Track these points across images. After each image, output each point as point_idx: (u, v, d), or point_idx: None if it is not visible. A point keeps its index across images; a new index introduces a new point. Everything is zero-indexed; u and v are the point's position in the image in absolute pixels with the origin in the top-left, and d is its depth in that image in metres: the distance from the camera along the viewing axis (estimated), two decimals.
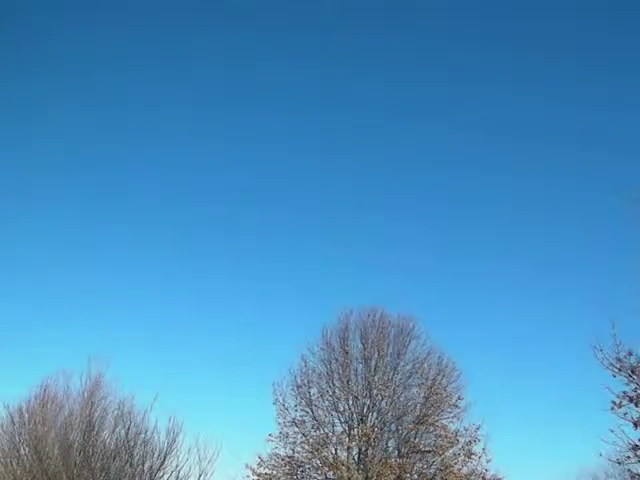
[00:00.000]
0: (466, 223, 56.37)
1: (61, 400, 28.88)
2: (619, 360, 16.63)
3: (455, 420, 29.57)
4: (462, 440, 28.85)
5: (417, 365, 30.88)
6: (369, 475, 27.87)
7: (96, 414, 27.90)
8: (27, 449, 27.29)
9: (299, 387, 30.60)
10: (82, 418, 27.73)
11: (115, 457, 26.67)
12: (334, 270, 55.36)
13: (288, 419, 30.11)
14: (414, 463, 28.92)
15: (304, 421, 30.00)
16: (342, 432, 29.80)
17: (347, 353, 30.85)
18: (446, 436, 28.77)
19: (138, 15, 55.78)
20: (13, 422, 28.18)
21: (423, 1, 55.76)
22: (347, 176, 58.57)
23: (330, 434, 29.84)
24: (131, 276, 56.40)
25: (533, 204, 56.63)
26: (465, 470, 28.42)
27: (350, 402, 30.12)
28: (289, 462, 28.93)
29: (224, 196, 59.02)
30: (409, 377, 30.79)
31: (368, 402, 30.01)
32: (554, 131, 56.20)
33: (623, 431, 16.65)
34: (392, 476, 27.67)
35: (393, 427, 29.87)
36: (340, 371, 30.63)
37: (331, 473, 28.68)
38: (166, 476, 26.72)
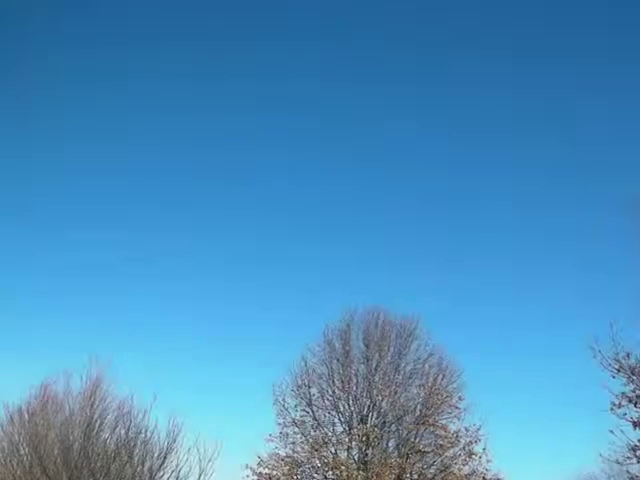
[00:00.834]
0: (466, 223, 56.22)
1: (61, 400, 28.82)
2: (618, 361, 16.64)
3: (455, 420, 29.64)
4: (462, 440, 28.86)
5: (418, 365, 30.94)
6: (369, 475, 27.85)
7: (96, 414, 27.82)
8: (27, 449, 27.24)
9: (299, 387, 30.62)
10: (82, 418, 27.67)
11: (115, 457, 26.59)
12: (336, 270, 55.39)
13: (288, 419, 30.16)
14: (414, 463, 28.92)
15: (304, 421, 30.04)
16: (342, 432, 29.84)
17: (348, 353, 30.87)
18: (446, 436, 28.78)
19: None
20: (13, 422, 28.16)
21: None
22: (347, 176, 58.43)
23: (330, 434, 29.88)
24: (131, 276, 56.40)
25: (533, 204, 56.43)
26: (465, 470, 28.43)
27: (350, 402, 30.14)
28: (289, 462, 28.93)
29: (224, 197, 59.01)
30: (410, 377, 30.82)
31: (368, 402, 30.03)
32: (554, 130, 56.09)
33: (622, 431, 16.67)
34: (392, 476, 27.66)
35: (393, 427, 29.89)
36: (341, 371, 30.65)
37: (331, 473, 28.68)
38: (166, 476, 26.65)
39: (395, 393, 29.99)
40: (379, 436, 29.19)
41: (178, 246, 55.67)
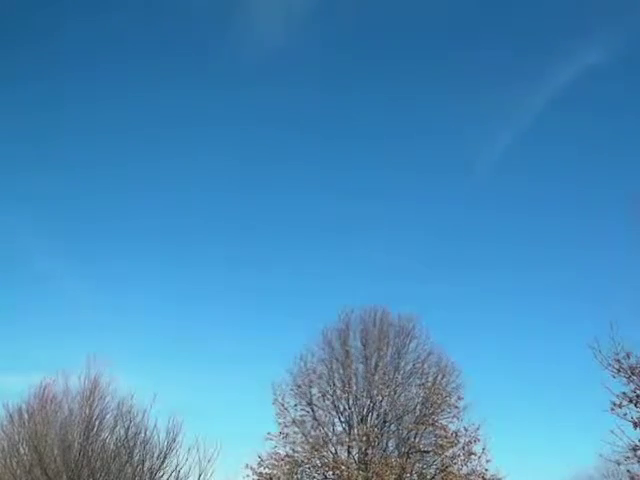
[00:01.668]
0: (466, 223, 56.31)
1: (60, 400, 28.91)
2: (618, 361, 16.65)
3: (455, 420, 29.56)
4: (462, 440, 28.82)
5: (417, 365, 30.89)
6: (369, 475, 27.83)
7: (95, 414, 27.90)
8: (27, 449, 27.29)
9: (299, 387, 30.60)
10: (82, 418, 27.74)
11: (115, 457, 26.65)
12: (335, 270, 55.43)
13: (288, 419, 30.12)
14: (414, 463, 28.91)
15: (304, 421, 30.01)
16: (342, 432, 29.81)
17: (347, 353, 30.85)
18: (446, 436, 28.74)
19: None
20: (13, 422, 28.20)
21: None
22: (348, 175, 58.54)
23: (330, 434, 29.86)
24: (131, 276, 56.47)
25: (533, 204, 56.60)
26: (465, 470, 28.39)
27: (350, 402, 30.12)
28: (289, 462, 28.91)
29: (224, 196, 59.05)
30: (409, 377, 30.80)
31: (368, 402, 30.01)
32: (553, 131, 56.19)
33: (623, 431, 16.67)
34: (392, 476, 27.63)
35: (393, 427, 29.85)
36: (340, 371, 30.64)
37: (331, 473, 28.66)
38: (166, 476, 26.70)
39: (395, 393, 29.98)
40: (379, 436, 29.18)
41: (178, 245, 55.85)
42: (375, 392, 29.84)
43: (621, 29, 49.55)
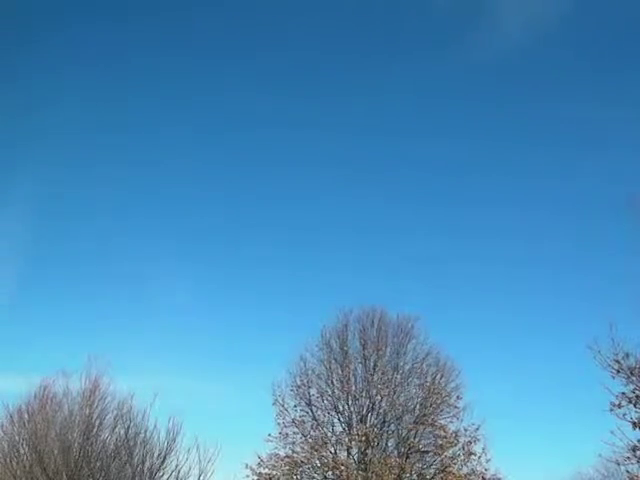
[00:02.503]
0: (466, 223, 56.23)
1: (60, 400, 28.84)
2: (617, 362, 16.70)
3: (454, 420, 29.67)
4: (462, 440, 28.90)
5: (416, 365, 30.96)
6: (368, 475, 27.90)
7: (95, 414, 27.84)
8: (27, 449, 27.24)
9: (298, 387, 30.69)
10: (82, 418, 27.68)
11: (115, 457, 26.60)
12: (333, 270, 55.35)
13: (288, 419, 30.21)
14: (414, 463, 28.98)
15: (303, 421, 30.09)
16: (341, 432, 29.88)
17: (346, 353, 30.92)
18: (445, 436, 28.81)
19: None
20: (13, 422, 28.17)
21: None
22: (347, 175, 58.49)
23: (329, 434, 29.93)
24: (132, 277, 56.38)
25: (532, 204, 56.50)
26: (465, 470, 28.47)
27: (349, 402, 30.20)
28: (289, 462, 28.97)
29: (224, 196, 58.98)
30: (408, 377, 30.88)
31: (367, 402, 30.07)
32: (553, 131, 56.15)
33: (622, 432, 16.72)
34: (392, 476, 27.69)
35: (392, 427, 29.93)
36: (339, 371, 30.69)
37: (331, 473, 28.74)
38: (166, 476, 26.65)
39: (394, 392, 30.05)
40: (378, 436, 29.25)
41: (177, 244, 55.79)
42: (374, 392, 29.91)
43: None
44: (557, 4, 49.37)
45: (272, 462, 29.01)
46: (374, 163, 59.02)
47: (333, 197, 57.88)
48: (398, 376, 30.64)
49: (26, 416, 28.33)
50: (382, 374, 30.29)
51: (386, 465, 27.87)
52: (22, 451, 27.51)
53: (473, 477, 28.36)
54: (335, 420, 30.24)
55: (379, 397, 29.88)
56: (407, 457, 28.81)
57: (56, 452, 26.26)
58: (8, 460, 26.95)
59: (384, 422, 29.80)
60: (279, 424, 30.09)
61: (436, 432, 29.13)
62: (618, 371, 16.77)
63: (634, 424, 16.42)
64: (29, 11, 50.75)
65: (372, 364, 30.69)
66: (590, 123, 53.00)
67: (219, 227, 57.58)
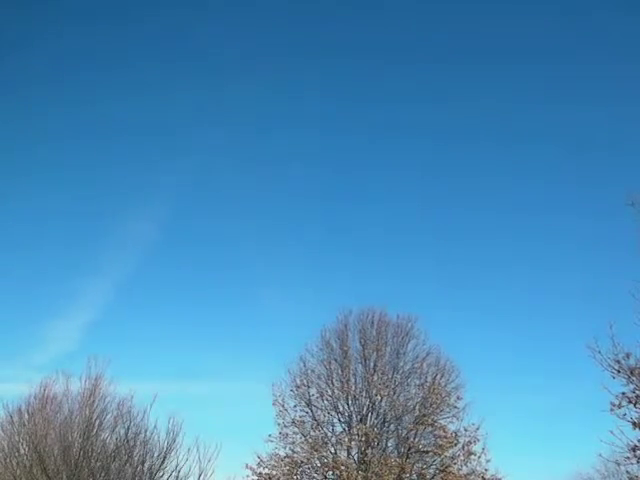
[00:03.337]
0: (465, 223, 56.46)
1: (60, 400, 28.89)
2: (617, 362, 16.66)
3: (454, 420, 29.65)
4: (462, 440, 28.90)
5: (416, 365, 30.94)
6: (368, 475, 27.89)
7: (95, 414, 27.86)
8: (27, 449, 27.26)
9: (298, 387, 30.68)
10: (82, 418, 27.71)
11: (115, 457, 26.62)
12: (333, 271, 55.48)
13: (287, 419, 30.21)
14: (413, 463, 28.98)
15: (303, 421, 30.09)
16: (341, 432, 29.88)
17: (346, 353, 30.91)
18: (445, 436, 28.81)
19: None
20: (13, 422, 28.18)
21: None
22: (347, 174, 58.58)
23: (329, 434, 29.94)
24: (132, 277, 56.53)
25: (532, 204, 56.69)
26: (465, 470, 28.48)
27: (349, 402, 30.20)
28: (289, 462, 28.97)
29: (224, 195, 59.09)
30: (408, 377, 30.88)
31: (367, 402, 30.07)
32: (552, 132, 56.32)
33: (622, 432, 16.68)
34: (391, 476, 27.69)
35: (392, 427, 29.93)
36: (339, 371, 30.69)
37: (331, 473, 28.75)
38: (166, 476, 26.67)
39: (394, 392, 30.04)
40: (378, 436, 29.25)
41: (177, 244, 55.87)
42: (374, 392, 29.90)
43: None
44: None
45: (272, 462, 29.03)
46: (374, 163, 59.23)
47: (333, 197, 58.05)
48: (398, 376, 30.64)
49: (26, 416, 28.36)
50: (382, 374, 30.29)
51: (386, 465, 27.87)
52: (22, 451, 27.52)
53: (473, 477, 28.36)
54: (335, 420, 30.28)
55: (379, 397, 29.86)
56: (407, 457, 28.81)
57: (56, 452, 26.26)
58: (8, 460, 26.96)
59: (384, 422, 29.80)
60: (279, 424, 30.15)
61: (436, 432, 29.13)
62: (618, 371, 16.71)
63: (634, 424, 16.36)
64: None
65: (372, 364, 30.69)
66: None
67: (220, 227, 57.79)
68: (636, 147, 48.92)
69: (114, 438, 27.39)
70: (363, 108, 58.05)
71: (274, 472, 28.78)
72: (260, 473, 28.91)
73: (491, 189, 58.05)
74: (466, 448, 28.63)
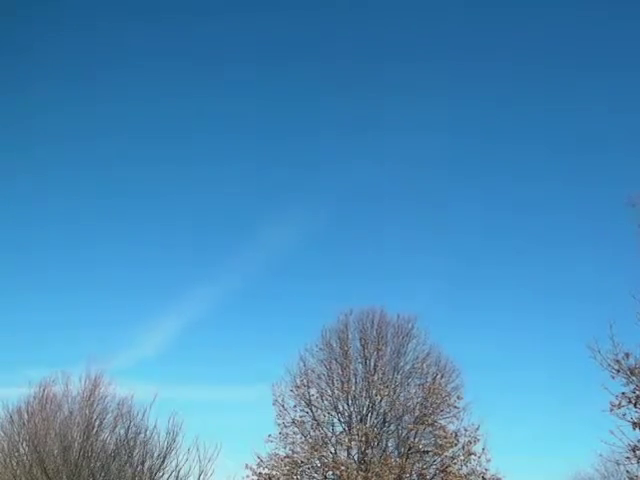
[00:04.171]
0: (465, 222, 56.39)
1: (60, 400, 28.86)
2: (617, 362, 16.66)
3: (454, 420, 29.63)
4: (462, 440, 28.88)
5: (416, 365, 30.92)
6: (368, 475, 27.86)
7: (95, 414, 27.86)
8: (27, 449, 27.26)
9: (298, 387, 30.67)
10: (81, 418, 27.70)
11: (115, 457, 26.62)
12: (333, 271, 55.45)
13: (288, 419, 30.20)
14: (414, 463, 28.94)
15: (303, 421, 30.06)
16: (341, 432, 29.85)
17: (346, 353, 30.89)
18: (445, 436, 28.79)
19: None
20: (13, 422, 28.18)
21: None
22: (346, 175, 58.53)
23: (329, 434, 29.91)
24: (132, 277, 56.57)
25: (532, 204, 56.62)
26: (465, 470, 28.46)
27: (349, 402, 30.18)
28: (289, 462, 28.96)
29: (225, 195, 59.09)
30: (408, 377, 30.85)
31: (367, 402, 30.05)
32: (552, 132, 56.34)
33: (622, 432, 16.68)
34: (392, 476, 27.67)
35: (392, 427, 29.92)
36: (339, 371, 30.68)
37: (331, 473, 28.74)
38: (166, 476, 26.65)
39: (394, 392, 30.01)
40: (378, 436, 29.24)
41: (177, 245, 55.91)
42: (374, 392, 29.88)
43: None
44: None
45: (272, 462, 29.00)
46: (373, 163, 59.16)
47: (334, 196, 58.02)
48: (398, 376, 30.62)
49: (26, 416, 28.34)
50: (382, 374, 30.28)
51: (386, 465, 27.85)
52: (22, 451, 27.52)
53: (473, 477, 28.34)
54: (335, 420, 30.25)
55: (379, 397, 29.84)
56: (407, 457, 28.77)
57: (56, 452, 26.26)
58: (8, 460, 26.96)
59: (384, 422, 29.79)
60: (279, 424, 30.13)
61: (436, 432, 29.11)
62: (618, 371, 16.72)
63: (634, 424, 16.37)
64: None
65: (372, 364, 30.68)
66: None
67: (220, 227, 57.82)
68: (636, 147, 48.77)
69: (114, 438, 27.39)
70: (363, 108, 57.80)
71: (274, 472, 28.77)
72: (260, 473, 28.90)
73: (491, 189, 58.01)
74: (466, 448, 28.61)
